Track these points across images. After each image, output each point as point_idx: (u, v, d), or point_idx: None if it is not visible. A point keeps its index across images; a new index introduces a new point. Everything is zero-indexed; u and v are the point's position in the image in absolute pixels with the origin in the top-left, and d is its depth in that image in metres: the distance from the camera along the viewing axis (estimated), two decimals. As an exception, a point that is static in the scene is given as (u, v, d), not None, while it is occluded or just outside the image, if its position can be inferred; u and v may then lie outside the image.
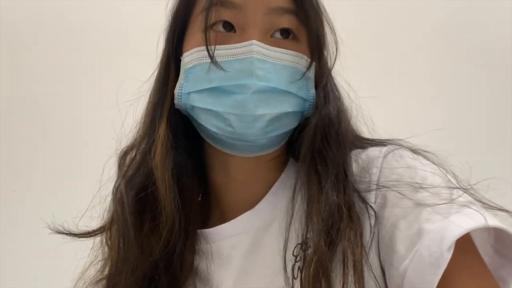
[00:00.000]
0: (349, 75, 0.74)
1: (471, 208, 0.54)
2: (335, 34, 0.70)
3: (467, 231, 0.51)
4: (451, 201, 0.55)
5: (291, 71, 0.64)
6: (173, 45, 0.69)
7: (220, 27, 0.64)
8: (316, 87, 0.68)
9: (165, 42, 0.71)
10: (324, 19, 0.69)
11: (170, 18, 0.70)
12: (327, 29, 0.69)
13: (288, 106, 0.63)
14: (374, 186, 0.61)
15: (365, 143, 0.69)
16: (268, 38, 0.64)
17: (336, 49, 0.70)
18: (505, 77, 1.64)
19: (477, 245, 0.57)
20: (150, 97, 0.71)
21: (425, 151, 0.65)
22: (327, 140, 0.64)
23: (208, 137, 0.67)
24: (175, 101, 0.66)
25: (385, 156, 0.63)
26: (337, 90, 0.71)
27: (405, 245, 0.54)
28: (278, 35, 0.64)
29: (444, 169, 0.62)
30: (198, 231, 0.70)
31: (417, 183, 0.58)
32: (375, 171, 0.62)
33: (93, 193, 0.72)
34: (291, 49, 0.64)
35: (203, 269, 0.69)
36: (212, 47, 0.62)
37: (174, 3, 0.71)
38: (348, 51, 0.72)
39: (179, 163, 0.67)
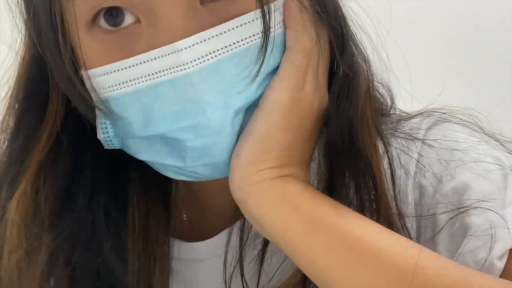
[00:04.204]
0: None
1: None
2: None
3: None
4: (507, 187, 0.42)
5: (249, 55, 0.38)
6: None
7: (102, 21, 0.38)
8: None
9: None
10: None
11: None
12: None
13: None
14: (411, 178, 0.46)
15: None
16: (198, 9, 0.37)
17: None
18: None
19: None
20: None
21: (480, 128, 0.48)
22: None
23: None
24: None
25: (426, 131, 0.47)
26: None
27: (446, 247, 0.42)
28: None
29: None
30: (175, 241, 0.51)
31: (461, 160, 0.43)
32: (414, 156, 0.46)
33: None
34: (232, 14, 0.37)
35: None
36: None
37: None
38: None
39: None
